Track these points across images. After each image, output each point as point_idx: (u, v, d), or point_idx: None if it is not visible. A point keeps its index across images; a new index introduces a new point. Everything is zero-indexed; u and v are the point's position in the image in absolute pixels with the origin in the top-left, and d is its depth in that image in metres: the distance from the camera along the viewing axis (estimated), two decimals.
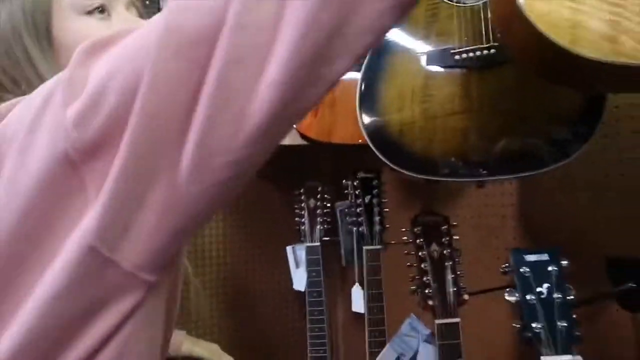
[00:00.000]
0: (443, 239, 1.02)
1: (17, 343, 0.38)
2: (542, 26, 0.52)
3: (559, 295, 0.80)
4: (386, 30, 0.35)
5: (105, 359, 0.39)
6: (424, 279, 1.00)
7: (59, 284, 0.37)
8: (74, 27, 0.57)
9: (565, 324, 0.78)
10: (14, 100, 0.45)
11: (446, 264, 1.00)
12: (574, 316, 0.79)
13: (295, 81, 0.33)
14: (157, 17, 0.37)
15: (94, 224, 0.36)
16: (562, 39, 0.51)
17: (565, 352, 0.77)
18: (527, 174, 0.90)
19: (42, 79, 0.50)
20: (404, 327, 1.06)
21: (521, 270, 0.82)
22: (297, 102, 0.35)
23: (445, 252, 1.00)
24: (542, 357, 0.78)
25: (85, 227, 0.37)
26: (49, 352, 0.38)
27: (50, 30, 0.56)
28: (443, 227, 1.01)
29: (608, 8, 0.52)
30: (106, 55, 0.38)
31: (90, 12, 0.57)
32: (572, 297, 0.80)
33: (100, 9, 0.57)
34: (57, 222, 0.38)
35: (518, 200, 1.15)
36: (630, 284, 0.92)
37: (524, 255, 0.83)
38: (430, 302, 0.99)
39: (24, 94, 0.48)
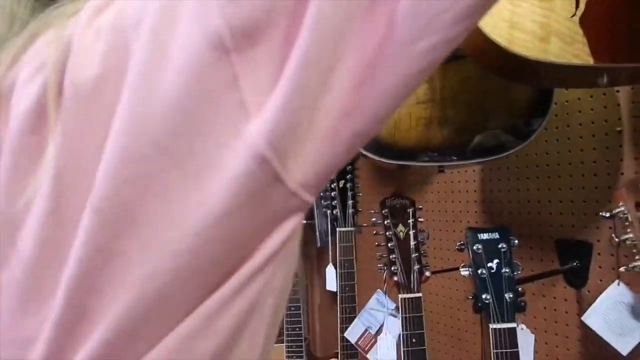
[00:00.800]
0: (409, 221, 1.10)
1: (164, 281, 0.29)
2: (485, 27, 0.59)
3: (507, 270, 0.88)
4: None
5: (249, 296, 0.30)
6: (391, 257, 1.08)
7: (223, 203, 0.28)
8: None
9: (512, 296, 0.87)
10: (91, 3, 0.34)
11: (411, 243, 1.08)
12: (520, 289, 0.88)
13: None
14: None
15: (267, 129, 0.28)
16: (501, 38, 0.58)
17: (511, 320, 0.86)
18: (486, 159, 0.99)
19: None
20: (371, 302, 1.14)
21: (474, 247, 0.90)
22: None
23: (410, 232, 1.08)
24: (490, 325, 0.86)
25: (254, 134, 0.28)
26: (198, 289, 0.29)
27: None
28: (409, 210, 1.09)
29: (540, 11, 0.59)
30: None
31: None
32: (519, 272, 0.89)
33: None
34: (205, 128, 0.28)
35: (479, 186, 1.24)
36: (574, 263, 1.01)
37: (477, 234, 0.91)
38: (396, 279, 1.07)
39: None
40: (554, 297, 1.07)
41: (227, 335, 0.30)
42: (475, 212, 1.25)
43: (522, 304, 0.86)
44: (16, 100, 0.32)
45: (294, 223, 0.31)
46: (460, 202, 1.29)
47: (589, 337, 0.94)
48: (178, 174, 0.28)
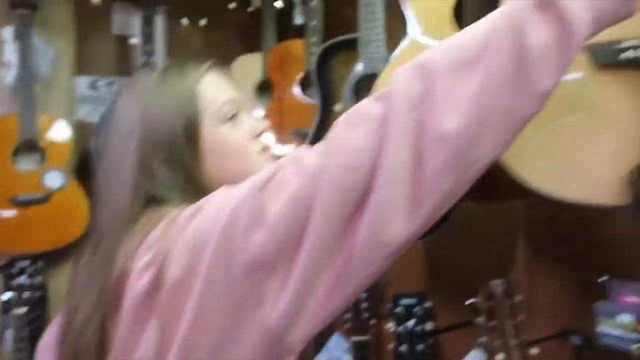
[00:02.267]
0: None
1: None
2: None
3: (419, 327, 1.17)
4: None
5: None
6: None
7: (252, 353, 0.48)
8: (218, 133, 0.64)
9: (423, 347, 1.15)
10: (186, 213, 0.53)
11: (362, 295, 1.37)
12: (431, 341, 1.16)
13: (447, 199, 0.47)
14: (312, 159, 0.48)
15: (275, 316, 0.47)
16: None
17: None
18: None
19: (195, 184, 0.61)
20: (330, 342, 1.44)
21: (397, 309, 1.19)
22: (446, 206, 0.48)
23: None
24: None
25: (268, 318, 0.47)
26: None
27: (200, 136, 0.63)
28: None
29: None
30: (274, 191, 0.48)
31: (226, 120, 0.65)
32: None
33: (233, 116, 0.65)
34: (241, 314, 0.48)
35: None
36: None
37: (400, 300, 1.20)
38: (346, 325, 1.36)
39: (178, 199, 0.59)
40: None
41: None
42: None
43: (432, 351, 1.15)
44: (133, 282, 0.53)
45: None
46: None
47: None
48: (227, 335, 0.48)
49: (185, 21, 2.05)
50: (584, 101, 0.66)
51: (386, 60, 1.14)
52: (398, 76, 0.48)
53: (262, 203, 0.48)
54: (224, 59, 1.86)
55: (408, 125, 0.45)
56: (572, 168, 0.65)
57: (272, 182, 0.49)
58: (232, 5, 2.06)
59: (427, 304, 1.18)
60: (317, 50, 1.45)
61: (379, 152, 0.46)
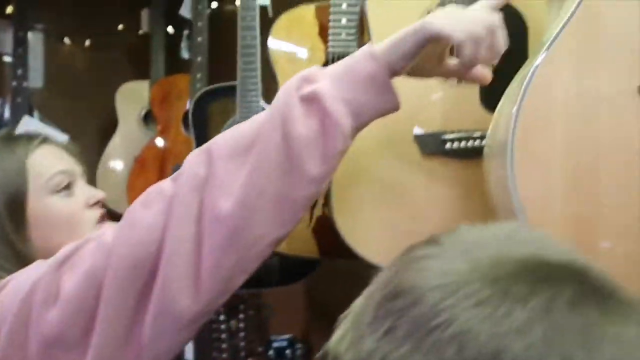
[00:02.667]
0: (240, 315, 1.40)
1: None
2: None
3: None
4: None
5: None
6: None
7: None
8: (48, 204, 0.64)
9: None
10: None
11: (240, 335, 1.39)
12: None
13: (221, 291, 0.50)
14: (108, 238, 0.50)
15: None
16: None
17: None
18: None
19: (17, 255, 0.61)
20: None
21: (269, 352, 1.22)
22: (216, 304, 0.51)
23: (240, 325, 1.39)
24: None
25: None
26: None
27: (26, 209, 0.63)
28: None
29: None
30: (71, 267, 0.50)
31: (59, 191, 0.65)
32: None
33: (67, 186, 0.65)
34: None
35: None
36: None
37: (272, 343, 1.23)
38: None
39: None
40: None
41: None
42: None
43: None
44: None
45: None
46: None
47: None
48: None
49: (67, 40, 1.95)
50: (414, 186, 0.72)
51: (262, 110, 1.17)
52: (189, 158, 0.52)
53: (59, 280, 0.50)
54: (110, 82, 1.81)
55: (190, 207, 0.49)
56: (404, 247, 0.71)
57: (72, 258, 0.51)
58: (120, 27, 1.99)
59: (298, 347, 1.22)
60: (201, 87, 1.45)
61: (164, 231, 0.49)
